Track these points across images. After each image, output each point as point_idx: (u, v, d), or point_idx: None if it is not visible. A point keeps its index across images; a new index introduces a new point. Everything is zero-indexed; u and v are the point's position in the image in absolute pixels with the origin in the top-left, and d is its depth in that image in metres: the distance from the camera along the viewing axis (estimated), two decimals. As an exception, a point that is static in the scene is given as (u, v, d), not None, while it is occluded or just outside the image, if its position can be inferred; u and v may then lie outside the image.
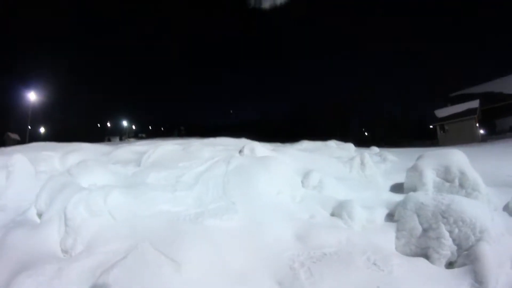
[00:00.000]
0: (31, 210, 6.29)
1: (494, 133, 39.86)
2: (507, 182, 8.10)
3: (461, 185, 7.11)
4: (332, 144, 14.90)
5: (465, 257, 4.78)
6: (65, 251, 4.93)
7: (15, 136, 57.23)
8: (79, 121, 76.43)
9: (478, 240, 4.84)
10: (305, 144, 14.44)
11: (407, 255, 5.29)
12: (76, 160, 8.74)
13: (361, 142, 19.85)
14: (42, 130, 64.87)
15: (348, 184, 8.41)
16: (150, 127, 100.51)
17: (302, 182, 7.98)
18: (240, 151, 9.68)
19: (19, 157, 8.12)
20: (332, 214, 6.47)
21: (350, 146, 14.98)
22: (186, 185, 7.06)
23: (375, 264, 4.58)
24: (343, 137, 25.79)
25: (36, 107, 48.56)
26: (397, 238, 5.65)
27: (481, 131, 39.25)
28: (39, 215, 6.08)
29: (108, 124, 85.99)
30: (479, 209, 5.33)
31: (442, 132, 40.59)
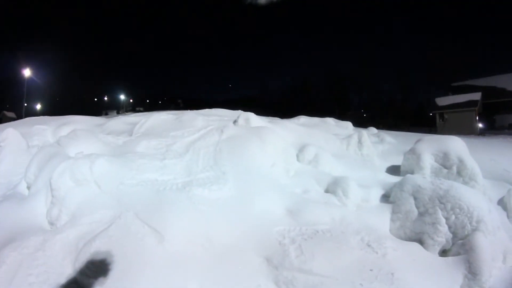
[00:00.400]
0: (21, 184, 6.15)
1: (493, 128, 39.99)
2: (503, 176, 7.94)
3: (459, 173, 6.93)
4: (330, 121, 14.66)
5: (459, 246, 4.66)
6: (51, 223, 4.83)
7: (11, 114, 57.28)
8: (76, 96, 76.59)
9: (474, 230, 4.68)
10: (303, 119, 14.20)
11: (401, 238, 5.17)
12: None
13: (360, 123, 19.64)
14: (38, 106, 65.00)
15: (344, 161, 8.25)
16: (148, 100, 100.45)
17: (297, 156, 7.80)
18: (235, 121, 9.44)
19: (10, 131, 7.93)
20: (327, 191, 6.31)
21: (348, 124, 14.75)
22: (176, 153, 6.91)
23: (369, 245, 4.43)
24: (342, 116, 25.62)
25: (31, 84, 48.58)
26: (392, 220, 5.51)
27: (480, 125, 39.26)
28: (29, 188, 5.96)
29: (106, 98, 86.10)
30: (477, 198, 5.16)
31: (441, 120, 40.56)
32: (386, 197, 6.21)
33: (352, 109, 67.13)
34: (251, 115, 9.74)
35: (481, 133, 34.05)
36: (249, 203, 5.21)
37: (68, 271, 3.77)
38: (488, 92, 42.15)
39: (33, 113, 51.52)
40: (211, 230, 4.47)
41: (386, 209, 5.73)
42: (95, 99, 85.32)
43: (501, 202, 6.48)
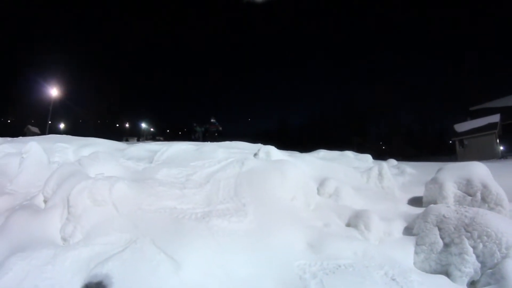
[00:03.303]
0: (39, 196, 6.19)
1: (515, 150, 39.09)
2: None
3: (484, 199, 6.78)
4: (350, 154, 14.54)
5: (489, 276, 4.45)
6: (64, 239, 4.83)
7: (35, 129, 58.47)
8: (99, 120, 78.53)
9: (505, 257, 4.49)
10: (322, 153, 14.13)
11: (426, 271, 5.00)
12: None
13: (378, 155, 19.45)
14: (62, 126, 66.54)
15: (365, 194, 8.13)
16: (168, 130, 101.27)
17: (317, 189, 7.72)
18: (255, 154, 9.47)
19: (33, 145, 8.11)
20: (348, 225, 6.20)
21: (368, 157, 14.65)
22: (196, 183, 6.87)
23: (393, 279, 4.25)
24: (360, 149, 25.42)
25: (57, 103, 49.70)
26: (416, 253, 5.36)
27: (501, 147, 38.44)
28: (45, 201, 5.99)
29: (127, 125, 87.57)
30: (505, 224, 5.00)
31: (461, 147, 39.83)
32: (409, 230, 6.07)
33: (371, 142, 66.67)
34: (271, 149, 9.75)
35: (503, 156, 33.25)
36: (269, 236, 5.11)
37: None
38: (506, 112, 41.39)
39: (56, 131, 52.27)
40: (229, 262, 4.36)
41: (410, 242, 5.59)
42: (117, 125, 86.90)
43: None
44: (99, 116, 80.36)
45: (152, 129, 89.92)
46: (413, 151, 51.50)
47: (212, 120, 22.64)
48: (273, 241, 5.02)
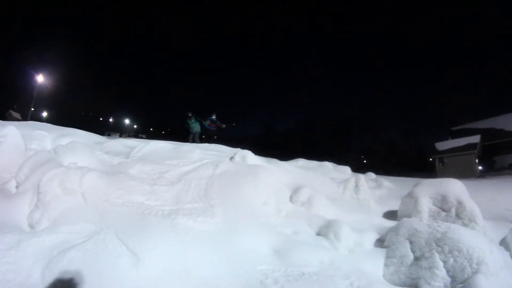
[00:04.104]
0: (11, 182, 6.11)
1: (493, 170, 40.06)
2: (504, 216, 7.93)
3: (458, 215, 6.77)
4: (329, 165, 14.59)
5: None
6: (30, 225, 4.79)
7: (17, 115, 57.31)
8: (82, 112, 77.34)
9: (475, 272, 4.46)
10: (301, 162, 14.15)
11: (396, 284, 4.94)
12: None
13: (359, 168, 19.53)
14: (44, 114, 65.54)
15: (339, 204, 8.04)
16: (151, 129, 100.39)
17: (291, 197, 7.61)
18: (231, 158, 9.37)
19: (11, 129, 7.84)
20: (318, 234, 6.09)
21: (347, 168, 14.69)
22: (168, 181, 6.78)
23: None
24: (342, 161, 25.46)
25: (42, 91, 48.97)
26: (385, 265, 5.29)
27: (480, 167, 39.28)
28: (17, 187, 5.92)
29: (111, 120, 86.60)
30: (477, 240, 4.96)
31: (440, 165, 40.58)
32: (381, 242, 6.02)
33: (353, 155, 67.17)
34: (248, 153, 9.70)
35: (481, 175, 33.88)
36: (235, 239, 5.03)
37: (36, 275, 3.63)
38: (487, 134, 42.48)
39: (38, 119, 51.46)
40: (190, 261, 4.29)
41: (380, 254, 5.53)
42: (101, 119, 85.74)
43: (504, 242, 6.37)
44: (84, 108, 79.23)
45: (135, 126, 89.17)
46: (394, 167, 51.97)
47: (212, 117, 18.45)
48: (238, 244, 4.95)
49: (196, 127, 18.15)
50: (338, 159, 40.18)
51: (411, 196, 7.62)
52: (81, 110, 77.38)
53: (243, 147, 11.73)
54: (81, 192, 5.22)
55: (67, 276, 3.56)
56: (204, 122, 18.27)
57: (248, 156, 9.44)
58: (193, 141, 17.42)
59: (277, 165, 10.49)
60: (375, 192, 10.64)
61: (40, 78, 42.92)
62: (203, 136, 18.95)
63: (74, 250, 3.87)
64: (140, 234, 4.44)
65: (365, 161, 64.21)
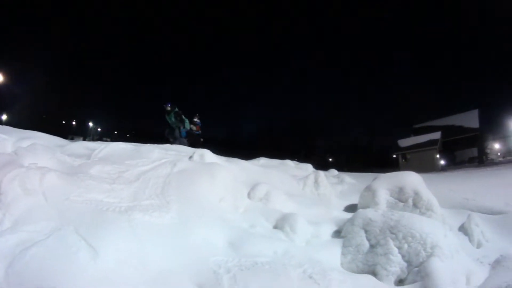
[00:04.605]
0: None
1: (454, 164, 41.64)
2: (463, 204, 8.16)
3: (415, 205, 6.92)
4: (290, 163, 14.70)
5: (415, 274, 4.57)
6: None
7: None
8: (44, 115, 74.96)
9: (429, 255, 4.64)
10: (263, 160, 14.25)
11: (354, 272, 5.04)
12: (29, 146, 8.24)
13: (324, 167, 19.64)
14: (4, 117, 63.04)
15: (298, 200, 8.11)
16: (116, 132, 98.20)
17: (248, 193, 7.63)
18: (190, 157, 9.27)
19: None
20: (275, 227, 6.12)
21: (308, 166, 14.78)
22: (126, 180, 6.70)
23: (310, 277, 4.18)
24: (306, 160, 25.62)
25: (2, 92, 47.02)
26: (343, 254, 5.40)
27: (442, 162, 40.61)
28: None
29: (74, 123, 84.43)
30: (430, 225, 5.18)
31: (403, 160, 41.83)
32: (338, 233, 6.11)
33: (317, 153, 67.81)
34: (206, 152, 9.66)
35: (443, 169, 34.97)
36: (190, 233, 5.06)
37: (0, 274, 3.56)
38: (447, 130, 44.68)
39: None
40: (146, 253, 4.33)
41: (337, 244, 5.64)
42: (63, 122, 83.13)
43: (462, 228, 6.64)
44: (46, 111, 76.81)
45: (99, 129, 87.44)
46: (358, 164, 52.86)
47: (195, 120, 17.39)
48: (192, 237, 4.99)
49: (176, 122, 15.22)
50: (304, 159, 40.55)
51: (369, 189, 7.78)
52: (42, 113, 75.08)
53: (207, 148, 11.62)
54: (41, 192, 5.10)
55: (29, 271, 3.55)
56: (187, 125, 15.57)
57: (206, 155, 9.40)
58: (175, 139, 15.00)
59: (236, 163, 10.52)
60: (336, 187, 10.83)
61: (-1, 77, 41.06)
62: (187, 138, 15.85)
63: (35, 247, 3.82)
64: (98, 229, 4.43)
65: (330, 159, 65.09)
